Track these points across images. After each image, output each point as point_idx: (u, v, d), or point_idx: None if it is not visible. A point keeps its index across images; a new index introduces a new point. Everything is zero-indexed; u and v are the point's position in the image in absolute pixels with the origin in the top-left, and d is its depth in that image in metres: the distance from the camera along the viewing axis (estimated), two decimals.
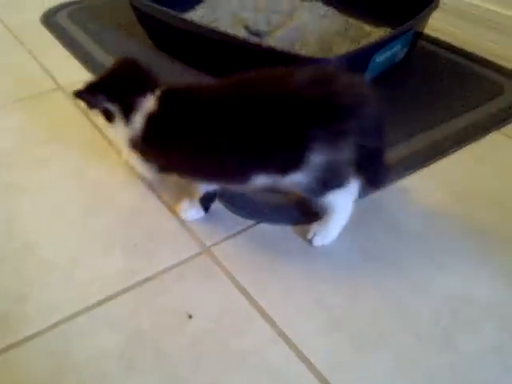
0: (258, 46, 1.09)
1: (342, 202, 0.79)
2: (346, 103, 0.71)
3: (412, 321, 0.72)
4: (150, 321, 0.72)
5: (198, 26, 1.13)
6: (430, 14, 1.17)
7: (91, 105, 0.83)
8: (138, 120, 0.78)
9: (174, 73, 1.22)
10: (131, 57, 0.83)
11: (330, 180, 0.74)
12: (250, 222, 0.86)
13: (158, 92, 0.79)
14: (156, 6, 1.19)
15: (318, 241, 0.82)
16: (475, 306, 0.74)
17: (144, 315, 0.73)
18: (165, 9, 1.18)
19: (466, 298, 0.75)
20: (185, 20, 1.18)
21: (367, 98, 0.73)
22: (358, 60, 1.05)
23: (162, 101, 0.78)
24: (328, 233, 0.82)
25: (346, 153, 0.73)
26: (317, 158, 0.71)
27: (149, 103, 0.78)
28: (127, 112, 0.79)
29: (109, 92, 0.80)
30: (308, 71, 0.72)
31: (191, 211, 0.87)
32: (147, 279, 0.78)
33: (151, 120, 0.78)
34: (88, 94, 0.81)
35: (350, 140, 0.72)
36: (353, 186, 0.80)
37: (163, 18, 1.20)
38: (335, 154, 0.72)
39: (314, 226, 0.83)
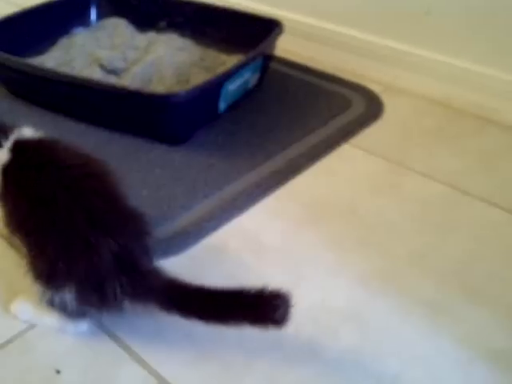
0: (108, 87, 1.10)
1: None
2: None
3: (277, 338, 0.75)
4: (18, 383, 0.69)
5: (44, 70, 1.11)
6: (275, 39, 1.25)
7: None
8: None
9: (32, 119, 1.19)
10: None
11: None
12: None
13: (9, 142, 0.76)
14: (1, 52, 1.16)
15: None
16: (333, 313, 0.79)
17: (10, 378, 0.70)
18: (8, 55, 1.14)
19: (324, 307, 0.80)
20: (31, 65, 1.16)
21: None
22: (209, 91, 1.09)
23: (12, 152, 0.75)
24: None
25: None
26: None
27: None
28: None
29: None
30: None
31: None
32: (9, 341, 0.74)
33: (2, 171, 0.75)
34: None
35: None
36: None
37: (10, 65, 1.16)
38: None
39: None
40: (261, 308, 0.68)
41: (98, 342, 0.74)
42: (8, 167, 0.75)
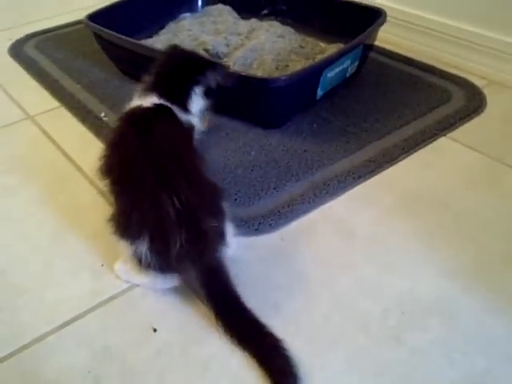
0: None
1: None
2: None
3: (363, 321, 0.76)
4: (117, 336, 0.76)
5: (153, 51, 1.18)
6: (377, 28, 1.24)
7: None
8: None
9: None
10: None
11: None
12: None
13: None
14: (115, 33, 1.25)
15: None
16: (421, 304, 0.79)
17: (111, 332, 0.77)
18: (124, 36, 1.23)
19: (412, 296, 0.80)
20: (142, 45, 1.23)
21: None
22: (309, 77, 1.11)
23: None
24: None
25: None
26: None
27: None
28: None
29: None
30: None
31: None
32: (114, 297, 0.82)
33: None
34: None
35: None
36: None
37: (124, 45, 1.25)
38: None
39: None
40: (271, 368, 0.70)
41: (191, 304, 0.80)
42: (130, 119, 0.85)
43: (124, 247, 0.78)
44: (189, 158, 0.81)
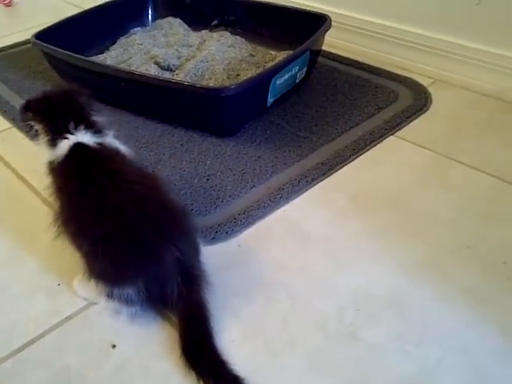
0: (163, 81, 1.16)
1: None
2: None
3: (320, 321, 0.78)
4: (76, 356, 0.75)
5: (105, 67, 1.18)
6: (323, 34, 1.27)
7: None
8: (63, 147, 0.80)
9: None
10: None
11: None
12: None
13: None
14: (62, 51, 1.24)
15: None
16: (376, 300, 0.80)
17: (70, 351, 0.76)
18: (71, 53, 1.22)
19: (367, 293, 0.82)
20: (93, 62, 1.23)
21: None
22: (258, 85, 1.12)
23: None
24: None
25: None
26: None
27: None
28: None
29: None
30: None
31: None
32: (71, 316, 0.81)
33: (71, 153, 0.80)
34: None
35: None
36: None
37: (71, 62, 1.24)
38: None
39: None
40: None
41: (150, 319, 0.80)
42: (64, 166, 0.79)
43: (101, 288, 0.78)
44: (163, 194, 0.81)
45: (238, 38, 1.48)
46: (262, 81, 1.12)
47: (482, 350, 0.73)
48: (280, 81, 1.16)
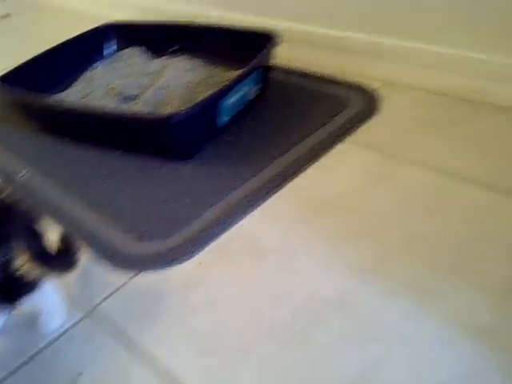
0: (113, 114, 1.22)
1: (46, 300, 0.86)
2: None
3: (273, 328, 0.82)
4: None
5: (58, 105, 1.23)
6: (270, 51, 1.31)
7: None
8: None
9: (55, 149, 1.30)
10: None
11: None
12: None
13: None
14: (22, 92, 1.29)
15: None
16: (326, 303, 0.84)
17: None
18: (29, 94, 1.28)
19: (319, 298, 0.85)
20: (49, 101, 1.29)
21: None
22: (204, 109, 1.17)
23: None
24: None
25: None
26: None
27: None
28: None
29: None
30: None
31: None
32: (38, 352, 0.85)
33: None
34: None
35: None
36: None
37: (30, 102, 1.30)
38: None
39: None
40: None
41: (112, 350, 0.84)
42: None
43: None
44: None
45: (198, 60, 1.53)
46: (209, 105, 1.16)
47: (425, 340, 0.76)
48: (230, 101, 1.20)
